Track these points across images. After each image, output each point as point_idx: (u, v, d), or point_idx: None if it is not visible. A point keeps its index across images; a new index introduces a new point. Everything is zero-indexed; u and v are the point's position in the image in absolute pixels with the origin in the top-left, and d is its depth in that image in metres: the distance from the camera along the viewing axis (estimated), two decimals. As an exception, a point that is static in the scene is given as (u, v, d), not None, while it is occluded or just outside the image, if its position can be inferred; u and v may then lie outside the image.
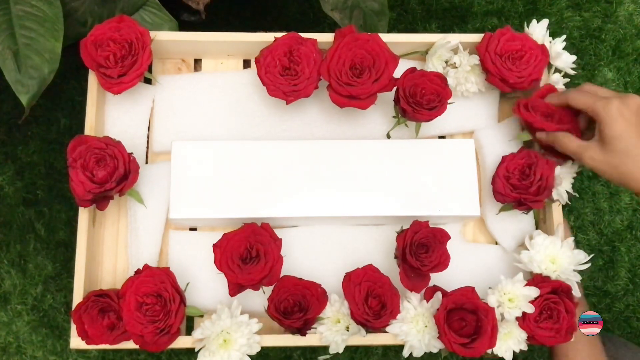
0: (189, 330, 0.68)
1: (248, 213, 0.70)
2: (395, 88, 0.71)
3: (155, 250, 0.73)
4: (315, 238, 0.74)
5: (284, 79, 0.69)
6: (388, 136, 0.75)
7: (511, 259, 0.74)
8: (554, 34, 0.75)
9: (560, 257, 0.70)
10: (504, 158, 0.72)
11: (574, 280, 0.70)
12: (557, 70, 0.75)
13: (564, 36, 0.75)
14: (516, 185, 0.70)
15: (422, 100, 0.70)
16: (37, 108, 1.08)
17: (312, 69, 0.70)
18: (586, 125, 0.71)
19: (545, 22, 0.75)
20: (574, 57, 0.74)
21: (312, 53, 0.70)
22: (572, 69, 0.75)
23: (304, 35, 0.72)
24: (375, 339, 0.69)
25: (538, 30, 0.75)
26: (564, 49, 0.75)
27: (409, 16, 1.17)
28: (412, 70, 0.71)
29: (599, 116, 0.65)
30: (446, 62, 0.76)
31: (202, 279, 0.72)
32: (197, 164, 0.72)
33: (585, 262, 0.70)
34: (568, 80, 0.75)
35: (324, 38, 0.73)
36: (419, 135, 0.75)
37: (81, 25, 0.80)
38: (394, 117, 0.75)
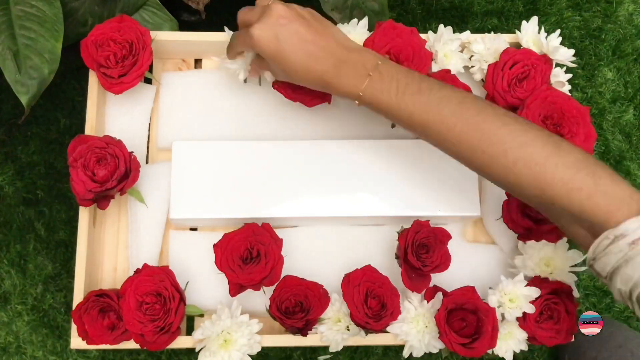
0: (190, 331, 0.68)
1: (248, 213, 0.70)
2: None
3: (156, 250, 0.73)
4: (316, 238, 0.74)
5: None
6: (393, 125, 0.75)
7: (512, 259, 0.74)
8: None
9: (555, 258, 0.69)
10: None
11: (570, 281, 0.69)
12: (558, 65, 0.75)
13: (558, 31, 0.75)
14: (533, 218, 0.68)
15: None
16: (37, 108, 1.08)
17: None
18: None
19: (535, 19, 0.74)
20: (572, 51, 0.73)
21: None
22: (572, 66, 0.75)
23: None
24: (375, 339, 0.69)
25: (530, 29, 0.74)
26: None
27: (409, 16, 1.17)
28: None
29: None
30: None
31: (202, 279, 0.72)
32: (198, 163, 0.71)
33: (582, 263, 0.69)
34: (571, 75, 0.74)
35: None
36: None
37: (81, 25, 0.80)
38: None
